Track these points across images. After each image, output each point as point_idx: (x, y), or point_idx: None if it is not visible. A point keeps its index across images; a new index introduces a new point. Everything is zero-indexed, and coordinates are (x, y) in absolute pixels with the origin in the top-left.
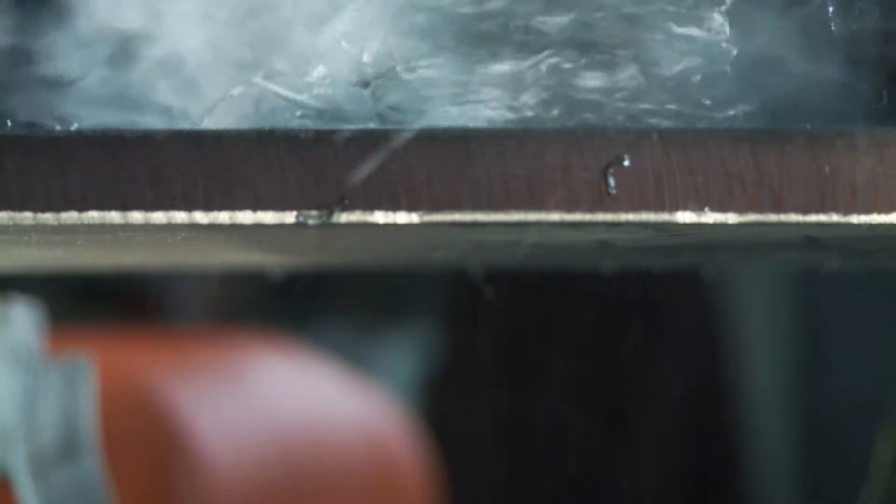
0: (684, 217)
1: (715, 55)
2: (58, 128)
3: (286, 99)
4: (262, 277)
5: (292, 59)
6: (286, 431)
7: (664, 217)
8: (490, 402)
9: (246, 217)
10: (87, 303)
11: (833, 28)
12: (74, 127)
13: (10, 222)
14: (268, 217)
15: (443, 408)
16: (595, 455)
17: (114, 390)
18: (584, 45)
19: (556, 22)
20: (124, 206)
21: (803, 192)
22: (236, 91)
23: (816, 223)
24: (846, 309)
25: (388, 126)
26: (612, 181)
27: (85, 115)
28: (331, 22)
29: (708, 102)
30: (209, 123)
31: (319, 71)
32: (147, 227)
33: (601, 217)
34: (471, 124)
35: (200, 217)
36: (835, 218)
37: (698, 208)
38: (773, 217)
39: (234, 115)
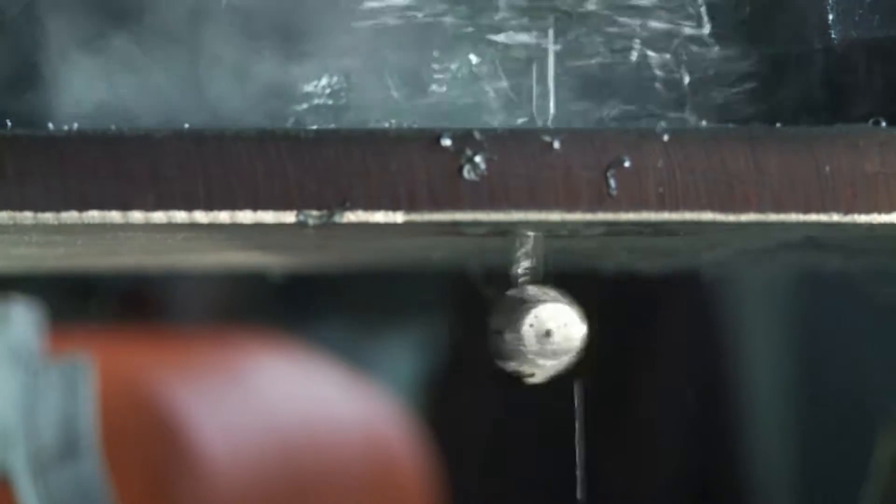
0: (684, 217)
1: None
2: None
3: None
4: (262, 277)
5: None
6: (286, 431)
7: (664, 217)
8: (490, 402)
9: (246, 217)
10: (87, 303)
11: (833, 35)
12: (74, 127)
13: (11, 222)
14: (268, 217)
15: (443, 408)
16: (595, 455)
17: (114, 390)
18: None
19: None
20: (124, 206)
21: (803, 192)
22: None
23: (816, 223)
24: (846, 309)
25: (389, 125)
26: (612, 181)
27: (85, 115)
28: None
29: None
30: None
31: None
32: (147, 227)
33: (601, 217)
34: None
35: (200, 217)
36: (835, 218)
37: (698, 208)
38: (773, 217)
39: None
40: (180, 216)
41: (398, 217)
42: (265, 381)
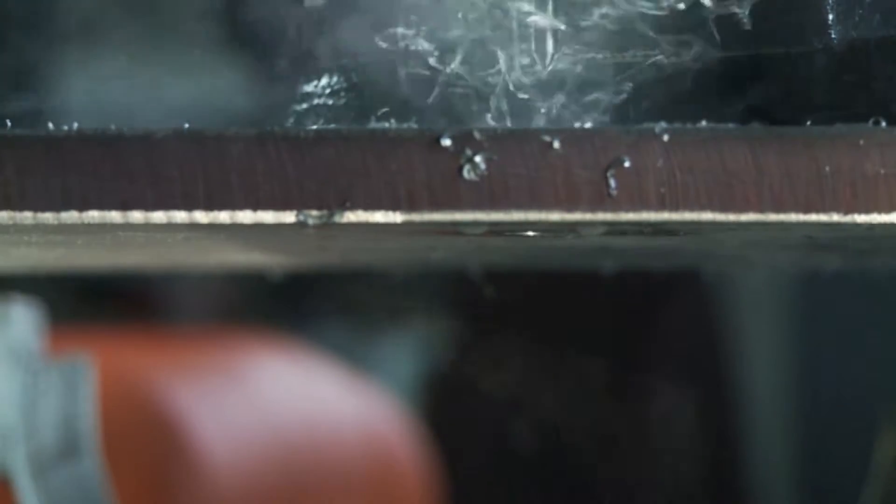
0: (684, 217)
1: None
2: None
3: None
4: (262, 277)
5: None
6: (286, 431)
7: (664, 217)
8: (490, 402)
9: (246, 217)
10: (87, 303)
11: (833, 35)
12: (74, 127)
13: (11, 222)
14: (268, 217)
15: (443, 408)
16: (595, 455)
17: (114, 390)
18: None
19: None
20: (124, 206)
21: (803, 192)
22: None
23: (816, 223)
24: (846, 309)
25: (389, 125)
26: (612, 181)
27: (85, 115)
28: None
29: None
30: None
31: None
32: (147, 227)
33: (601, 217)
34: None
35: (200, 217)
36: (835, 218)
37: (698, 208)
38: (773, 217)
39: None
40: (180, 216)
41: (398, 217)
42: (265, 381)
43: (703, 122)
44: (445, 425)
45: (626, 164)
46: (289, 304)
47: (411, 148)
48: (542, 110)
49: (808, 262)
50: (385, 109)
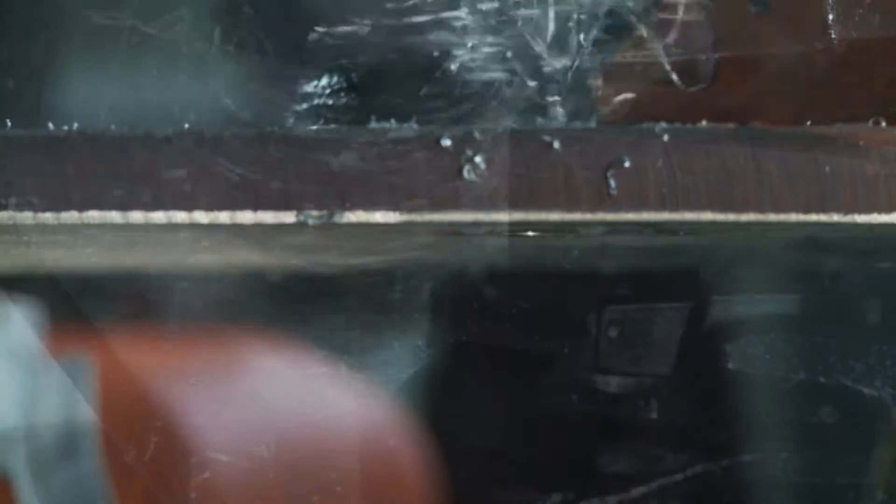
0: (684, 217)
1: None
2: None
3: None
4: (262, 277)
5: None
6: (286, 431)
7: (664, 217)
8: (490, 401)
9: (246, 217)
10: (87, 303)
11: (833, 35)
12: (74, 127)
13: (11, 222)
14: (268, 217)
15: (443, 407)
16: (594, 455)
17: (114, 390)
18: None
19: None
20: (124, 206)
21: (803, 192)
22: None
23: (816, 223)
24: (846, 309)
25: (389, 125)
26: (612, 181)
27: (85, 115)
28: None
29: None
30: None
31: None
32: (147, 227)
33: (601, 217)
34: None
35: (200, 217)
36: (835, 218)
37: (698, 208)
38: (773, 217)
39: None
40: (180, 216)
41: (398, 217)
42: (265, 381)
43: (703, 122)
44: (445, 425)
45: (626, 164)
46: (289, 304)
47: (411, 148)
48: (545, 109)
49: (808, 262)
50: (385, 109)
